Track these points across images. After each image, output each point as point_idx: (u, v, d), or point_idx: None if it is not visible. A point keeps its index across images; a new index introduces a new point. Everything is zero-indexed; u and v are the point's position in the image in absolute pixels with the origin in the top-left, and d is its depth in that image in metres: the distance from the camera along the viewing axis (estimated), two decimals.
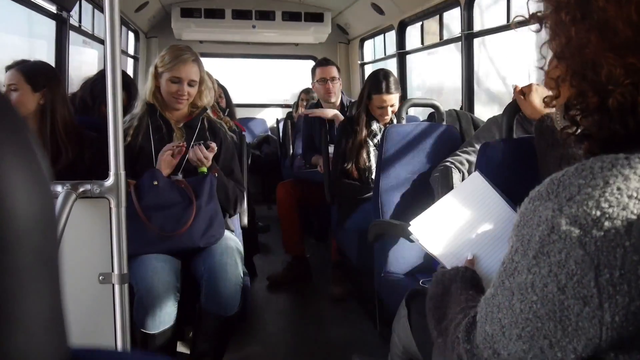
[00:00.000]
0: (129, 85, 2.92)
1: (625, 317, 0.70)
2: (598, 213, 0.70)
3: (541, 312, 0.75)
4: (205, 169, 2.10)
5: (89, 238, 1.48)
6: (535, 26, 0.88)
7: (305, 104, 4.88)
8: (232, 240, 2.11)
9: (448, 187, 1.57)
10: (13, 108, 0.34)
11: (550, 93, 0.90)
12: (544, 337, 0.76)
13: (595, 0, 0.76)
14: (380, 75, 2.81)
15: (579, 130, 0.82)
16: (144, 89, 2.20)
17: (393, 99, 2.78)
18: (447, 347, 0.98)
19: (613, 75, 0.75)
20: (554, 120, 1.43)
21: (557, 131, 1.39)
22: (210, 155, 2.07)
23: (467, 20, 3.34)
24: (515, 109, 1.62)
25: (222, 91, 4.21)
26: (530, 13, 0.88)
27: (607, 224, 0.69)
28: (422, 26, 4.27)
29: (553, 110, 1.46)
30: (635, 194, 0.69)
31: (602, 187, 0.71)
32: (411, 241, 1.94)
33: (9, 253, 0.30)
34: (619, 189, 0.70)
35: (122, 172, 1.42)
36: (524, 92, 1.59)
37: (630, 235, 0.69)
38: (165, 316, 1.84)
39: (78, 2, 3.36)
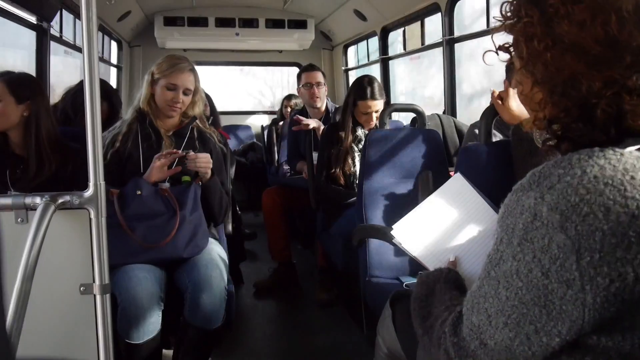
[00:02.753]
0: (110, 95, 2.91)
1: (606, 299, 0.73)
2: (577, 199, 0.74)
3: (526, 297, 0.78)
4: (189, 178, 2.09)
5: (70, 249, 1.46)
6: (504, 56, 0.93)
7: (289, 110, 4.89)
8: (217, 250, 2.10)
9: (429, 191, 1.58)
10: None
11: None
12: (530, 323, 0.79)
13: (559, 26, 0.81)
14: (365, 82, 2.82)
15: (563, 145, 0.85)
16: (138, 95, 2.19)
17: (378, 104, 2.80)
18: (433, 344, 1.00)
19: (593, 89, 0.80)
20: (532, 132, 1.46)
21: (536, 140, 1.42)
22: (209, 161, 2.09)
23: (448, 25, 3.38)
24: (493, 114, 1.64)
25: (207, 99, 4.20)
26: (498, 45, 0.93)
27: (585, 209, 0.73)
28: (404, 32, 4.30)
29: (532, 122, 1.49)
30: (610, 182, 0.74)
31: (580, 175, 0.75)
32: (394, 245, 1.96)
33: None
34: (595, 177, 0.75)
35: (102, 183, 1.41)
36: (501, 97, 1.61)
37: (608, 219, 0.73)
38: (149, 326, 1.82)
39: (59, 12, 3.35)
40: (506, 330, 0.82)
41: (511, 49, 0.92)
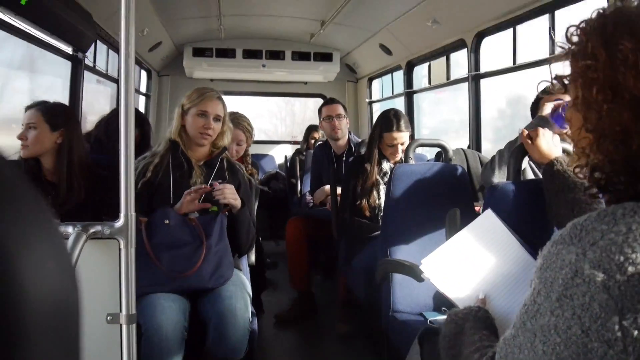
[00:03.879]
0: (142, 123, 2.98)
1: None
2: (621, 258, 0.71)
3: (564, 354, 0.76)
4: (216, 208, 2.12)
5: (98, 278, 1.48)
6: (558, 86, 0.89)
7: (313, 141, 4.93)
8: (242, 281, 2.11)
9: (456, 228, 1.57)
10: (28, 186, 0.31)
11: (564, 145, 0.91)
12: None
13: (624, 79, 0.77)
14: (391, 114, 2.85)
15: (606, 196, 0.82)
16: (170, 127, 2.25)
17: (404, 136, 2.81)
18: None
19: None
20: (566, 169, 1.44)
21: (569, 176, 1.40)
22: (234, 192, 2.12)
23: (474, 61, 3.40)
24: (522, 153, 1.63)
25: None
26: (555, 75, 0.89)
27: (630, 269, 0.71)
28: (429, 66, 4.33)
29: (561, 153, 1.47)
30: None
31: (625, 233, 0.72)
32: (420, 280, 1.93)
33: (25, 344, 0.27)
34: None
35: (133, 214, 1.43)
36: (531, 137, 1.60)
37: None
38: (172, 356, 1.82)
39: (93, 44, 3.46)
40: None
41: (566, 81, 0.87)
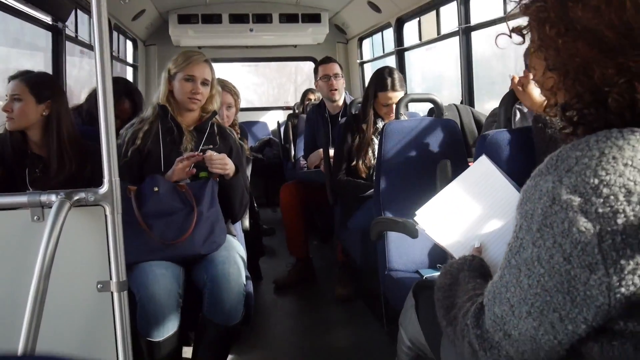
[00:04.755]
0: (133, 93, 2.92)
1: (631, 282, 0.72)
2: (596, 181, 0.73)
3: (549, 284, 0.77)
4: (206, 174, 2.08)
5: (86, 246, 1.46)
6: (518, 39, 0.92)
7: (309, 103, 4.89)
8: (235, 246, 2.09)
9: (447, 180, 1.55)
10: None
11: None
12: (554, 311, 0.77)
13: (573, 11, 0.79)
14: (386, 73, 2.79)
15: (579, 129, 0.83)
16: (156, 93, 2.20)
17: (398, 95, 2.76)
18: (457, 336, 0.98)
19: (606, 76, 0.78)
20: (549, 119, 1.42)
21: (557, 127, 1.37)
22: (226, 160, 2.08)
23: (464, 14, 3.32)
24: (512, 100, 1.60)
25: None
26: (512, 27, 0.92)
27: (605, 190, 0.72)
28: (419, 22, 4.25)
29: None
30: (630, 162, 0.72)
31: (598, 157, 0.74)
32: (414, 236, 1.92)
33: None
34: (614, 157, 0.73)
35: (116, 179, 1.40)
36: (522, 83, 1.56)
37: (629, 200, 0.71)
38: (168, 323, 1.82)
39: (74, 13, 3.37)
40: (530, 319, 0.80)
41: (524, 31, 0.90)
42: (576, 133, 0.83)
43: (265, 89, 7.90)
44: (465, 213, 1.32)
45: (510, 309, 0.83)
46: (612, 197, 0.72)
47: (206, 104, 2.19)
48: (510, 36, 0.92)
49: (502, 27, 0.93)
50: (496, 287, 0.87)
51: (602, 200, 0.72)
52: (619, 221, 0.71)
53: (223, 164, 2.06)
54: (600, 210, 0.72)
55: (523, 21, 0.90)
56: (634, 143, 0.74)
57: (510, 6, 0.91)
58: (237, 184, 2.15)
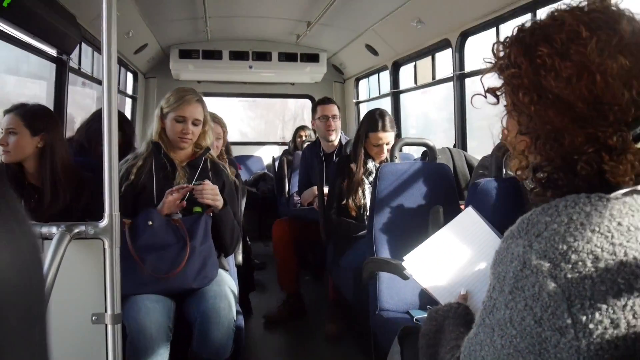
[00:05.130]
0: (123, 124, 2.96)
1: (600, 346, 0.73)
2: (565, 247, 0.74)
3: (521, 346, 0.78)
4: (200, 209, 2.11)
5: (83, 278, 1.48)
6: (492, 99, 0.94)
7: (301, 140, 4.95)
8: (226, 281, 2.11)
9: (439, 225, 1.59)
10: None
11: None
12: None
13: (546, 80, 0.81)
14: (376, 114, 2.86)
15: (549, 192, 0.85)
16: (150, 129, 2.24)
17: (389, 136, 2.82)
18: None
19: (575, 144, 0.80)
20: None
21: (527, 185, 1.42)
22: (216, 190, 2.11)
23: (459, 61, 3.42)
24: (504, 149, 1.65)
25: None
26: (487, 88, 0.94)
27: (574, 256, 0.74)
28: (415, 66, 4.36)
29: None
30: (597, 228, 0.74)
31: (567, 223, 0.76)
32: (405, 278, 1.95)
33: None
34: (582, 224, 0.75)
35: (117, 214, 1.44)
36: None
37: (596, 267, 0.73)
38: (157, 357, 1.82)
39: (78, 46, 3.44)
40: None
41: (498, 93, 0.92)
42: (545, 195, 0.85)
43: (256, 124, 8.02)
44: (452, 260, 1.36)
45: None
46: (580, 263, 0.73)
47: (199, 140, 2.23)
48: (485, 96, 0.94)
49: (491, 80, 0.95)
50: (471, 344, 0.88)
51: (570, 266, 0.73)
52: (587, 286, 0.73)
53: (214, 194, 2.09)
54: (569, 275, 0.73)
55: (497, 80, 0.93)
56: (601, 209, 0.76)
57: (479, 62, 0.94)
58: (226, 218, 2.17)
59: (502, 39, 0.91)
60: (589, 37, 0.79)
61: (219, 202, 2.12)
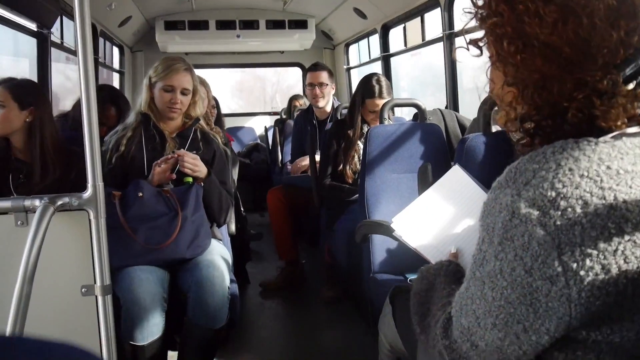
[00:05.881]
0: (118, 99, 2.93)
1: (591, 293, 0.72)
2: (553, 194, 0.73)
3: (512, 297, 0.77)
4: (190, 179, 2.09)
5: (70, 251, 1.47)
6: (475, 51, 0.90)
7: (295, 109, 4.91)
8: (219, 250, 2.10)
9: (427, 183, 1.57)
10: None
11: None
12: (518, 322, 0.78)
13: (530, 27, 0.78)
14: (373, 80, 2.82)
15: (537, 140, 0.83)
16: (139, 99, 2.20)
17: (382, 105, 2.79)
18: (430, 345, 0.99)
19: (565, 91, 0.78)
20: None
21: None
22: (197, 161, 2.08)
23: (448, 20, 3.36)
24: (492, 103, 1.63)
25: (215, 102, 4.23)
26: (470, 40, 0.90)
27: (562, 203, 0.72)
28: (404, 28, 4.29)
29: None
30: (586, 173, 0.73)
31: (555, 169, 0.74)
32: (398, 240, 1.94)
33: None
34: (570, 169, 0.73)
35: (100, 184, 1.42)
36: None
37: (586, 212, 0.72)
38: (152, 327, 1.82)
39: (59, 19, 3.36)
40: (495, 331, 0.81)
41: (481, 43, 0.89)
42: (533, 144, 0.84)
43: (247, 94, 7.98)
44: (441, 219, 1.35)
45: (476, 320, 0.83)
46: (569, 209, 0.72)
47: (189, 110, 2.20)
48: (467, 49, 0.91)
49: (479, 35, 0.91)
50: (462, 298, 0.87)
51: (559, 212, 0.72)
52: (577, 233, 0.72)
53: (193, 164, 2.06)
54: (558, 222, 0.72)
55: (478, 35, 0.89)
56: (589, 154, 0.74)
57: (466, 17, 0.89)
58: (210, 187, 2.14)
59: None
60: None
61: (201, 172, 2.09)
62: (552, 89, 0.79)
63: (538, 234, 0.73)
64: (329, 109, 3.62)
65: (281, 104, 7.50)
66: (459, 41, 0.93)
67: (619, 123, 0.77)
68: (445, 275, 1.13)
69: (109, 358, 1.47)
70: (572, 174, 0.73)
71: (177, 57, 2.22)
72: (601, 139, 0.76)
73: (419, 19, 3.98)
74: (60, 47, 3.54)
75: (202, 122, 2.27)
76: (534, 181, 0.75)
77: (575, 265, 0.72)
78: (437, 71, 4.27)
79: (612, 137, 0.77)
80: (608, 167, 0.73)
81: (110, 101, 2.88)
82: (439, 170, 2.24)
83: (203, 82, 2.95)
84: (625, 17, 0.77)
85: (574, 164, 0.74)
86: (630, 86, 0.79)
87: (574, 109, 0.78)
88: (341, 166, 2.86)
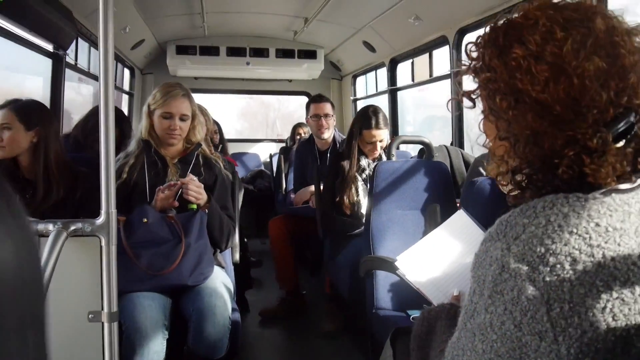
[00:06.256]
0: (121, 122, 2.95)
1: (580, 349, 0.72)
2: (542, 250, 0.73)
3: (501, 350, 0.77)
4: (195, 206, 2.11)
5: (79, 276, 1.47)
6: (468, 103, 0.91)
7: (299, 137, 4.95)
8: (222, 278, 2.10)
9: (436, 224, 1.59)
10: None
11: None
12: None
13: (522, 84, 0.79)
14: (370, 112, 2.85)
15: (527, 193, 0.83)
16: (139, 127, 2.22)
17: (382, 134, 2.82)
18: None
19: (555, 147, 0.79)
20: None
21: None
22: (201, 189, 2.09)
23: (456, 58, 3.42)
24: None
25: (217, 127, 4.27)
26: (463, 92, 0.91)
27: (552, 259, 0.73)
28: (412, 63, 4.35)
29: None
30: (575, 230, 0.73)
31: (545, 225, 0.75)
32: (400, 277, 1.95)
33: None
34: (559, 225, 0.74)
35: (114, 211, 1.43)
36: None
37: (575, 269, 0.72)
38: (153, 355, 1.81)
39: (75, 41, 3.42)
40: None
41: (474, 95, 0.89)
42: (524, 196, 0.84)
43: (253, 121, 8.04)
44: (445, 261, 1.36)
45: None
46: (558, 265, 0.72)
47: (189, 135, 2.22)
48: (461, 101, 0.91)
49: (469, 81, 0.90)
50: (454, 349, 0.86)
51: (548, 269, 0.72)
52: (566, 289, 0.72)
53: (197, 192, 2.07)
54: (547, 278, 0.72)
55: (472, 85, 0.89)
56: (579, 210, 0.75)
57: (459, 69, 0.89)
58: (212, 213, 2.15)
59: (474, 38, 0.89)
60: (563, 37, 0.78)
61: (201, 199, 2.10)
62: (543, 144, 0.80)
63: (527, 290, 0.73)
64: (330, 139, 3.65)
65: (281, 129, 7.57)
66: (473, 85, 0.93)
67: (608, 181, 0.78)
68: (446, 318, 1.12)
69: None
70: (562, 231, 0.74)
71: (175, 84, 2.24)
72: (590, 195, 0.77)
73: (427, 55, 4.04)
74: (74, 68, 3.60)
75: (204, 146, 2.29)
76: (524, 236, 0.75)
77: (563, 322, 0.72)
78: (444, 107, 4.32)
79: (602, 194, 0.77)
80: (597, 225, 0.74)
81: (115, 123, 2.90)
82: (445, 209, 2.28)
83: (202, 111, 2.97)
84: (614, 78, 0.78)
85: (564, 220, 0.74)
86: (620, 144, 0.79)
87: (565, 166, 0.78)
88: (338, 197, 2.87)
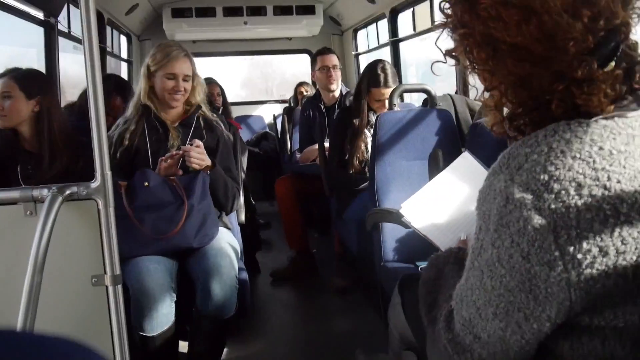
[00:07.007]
0: (123, 89, 2.92)
1: (590, 276, 0.71)
2: (546, 177, 0.72)
3: (511, 284, 0.76)
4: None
5: (80, 241, 1.46)
6: (452, 61, 0.90)
7: (301, 96, 4.89)
8: (227, 239, 2.09)
9: (438, 170, 1.55)
10: None
11: None
12: (518, 310, 0.77)
13: (496, 32, 0.79)
14: (378, 68, 2.78)
15: (528, 129, 0.83)
16: (137, 91, 2.18)
17: (391, 92, 2.75)
18: (436, 337, 0.97)
19: (544, 85, 0.78)
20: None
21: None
22: (203, 155, 2.06)
23: None
24: None
25: (220, 90, 4.21)
26: (445, 51, 0.90)
27: (556, 186, 0.71)
28: (413, 12, 4.23)
29: None
30: (578, 155, 0.72)
31: (547, 152, 0.74)
32: (408, 227, 1.93)
33: None
34: (562, 151, 0.73)
35: (108, 173, 1.40)
36: None
37: (580, 194, 0.71)
38: (162, 317, 1.82)
39: (66, 8, 3.35)
40: (496, 321, 0.80)
41: (454, 53, 0.89)
42: (524, 134, 0.83)
43: (255, 83, 7.98)
44: (451, 205, 1.33)
45: (477, 311, 0.82)
46: (563, 192, 0.71)
47: (189, 97, 2.18)
48: (445, 61, 0.91)
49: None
50: (462, 290, 0.86)
51: (553, 196, 0.71)
52: (572, 215, 0.71)
53: (200, 159, 2.04)
54: (552, 206, 0.71)
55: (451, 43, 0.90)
56: (581, 135, 0.73)
57: (436, 30, 0.89)
58: (216, 177, 2.13)
59: None
60: None
61: (204, 163, 2.06)
62: (531, 85, 0.79)
63: (533, 219, 0.72)
64: (337, 93, 3.60)
65: (277, 94, 7.49)
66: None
67: (603, 107, 0.77)
68: (454, 262, 1.11)
69: (120, 348, 1.46)
70: (564, 156, 0.72)
71: (173, 43, 2.20)
72: (592, 120, 0.75)
73: (428, 2, 3.91)
74: (68, 36, 3.53)
75: (204, 108, 2.25)
76: (527, 165, 0.74)
77: (572, 248, 0.71)
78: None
79: (604, 118, 0.76)
80: (600, 148, 0.72)
81: (116, 91, 2.87)
82: (450, 156, 2.22)
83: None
84: (585, 4, 0.76)
85: (566, 145, 0.73)
86: (610, 67, 0.78)
87: (557, 100, 0.78)
88: (347, 156, 2.83)
